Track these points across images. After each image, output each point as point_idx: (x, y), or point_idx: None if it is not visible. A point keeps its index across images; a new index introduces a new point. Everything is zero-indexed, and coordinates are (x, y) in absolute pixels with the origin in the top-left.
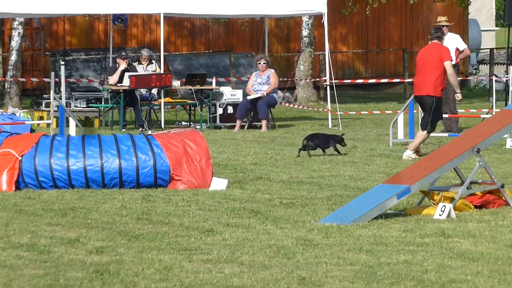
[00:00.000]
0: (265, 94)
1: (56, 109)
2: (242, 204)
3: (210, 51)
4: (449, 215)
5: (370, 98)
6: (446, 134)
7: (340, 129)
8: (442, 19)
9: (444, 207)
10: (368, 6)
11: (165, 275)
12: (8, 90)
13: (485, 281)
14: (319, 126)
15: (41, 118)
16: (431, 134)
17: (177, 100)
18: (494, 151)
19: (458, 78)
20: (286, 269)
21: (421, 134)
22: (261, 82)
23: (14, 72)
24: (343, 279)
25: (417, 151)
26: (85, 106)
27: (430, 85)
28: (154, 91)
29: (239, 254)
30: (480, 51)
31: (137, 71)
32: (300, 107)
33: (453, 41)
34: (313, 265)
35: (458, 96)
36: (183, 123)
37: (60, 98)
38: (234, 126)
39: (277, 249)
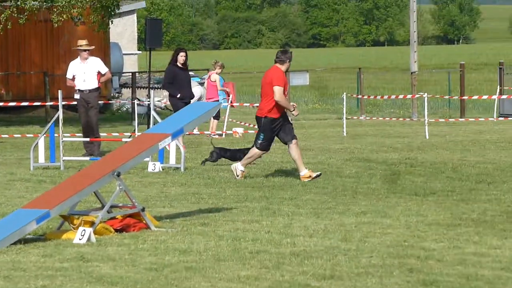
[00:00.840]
0: None
1: None
2: None
3: None
4: (89, 239)
5: (11, 121)
6: (87, 158)
7: None
8: (83, 43)
9: (84, 231)
10: (1, 26)
11: None
12: None
13: None
14: None
15: None
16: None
17: None
18: (136, 175)
19: (101, 102)
20: None
21: (252, 150)
22: None
23: None
24: None
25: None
26: None
27: (266, 109)
28: None
29: None
30: (123, 74)
31: None
32: None
33: (94, 65)
34: None
35: (294, 113)
36: None
37: None
38: None
39: None
